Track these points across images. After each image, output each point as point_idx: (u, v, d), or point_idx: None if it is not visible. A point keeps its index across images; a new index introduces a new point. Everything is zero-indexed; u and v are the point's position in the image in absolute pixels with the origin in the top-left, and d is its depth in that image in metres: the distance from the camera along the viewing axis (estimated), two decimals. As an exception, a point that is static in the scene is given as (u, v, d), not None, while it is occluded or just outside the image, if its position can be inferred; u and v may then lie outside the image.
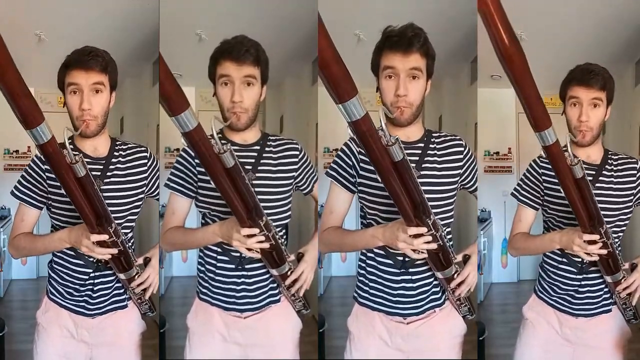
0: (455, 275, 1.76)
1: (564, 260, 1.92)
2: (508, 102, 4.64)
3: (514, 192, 1.98)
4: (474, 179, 1.88)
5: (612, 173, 1.90)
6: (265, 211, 1.71)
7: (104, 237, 1.71)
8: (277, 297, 1.88)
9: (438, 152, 1.80)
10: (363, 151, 1.77)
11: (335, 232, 1.82)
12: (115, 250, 1.75)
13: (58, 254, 1.89)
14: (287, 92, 4.38)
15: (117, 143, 1.90)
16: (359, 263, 1.88)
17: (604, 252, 1.78)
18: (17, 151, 4.95)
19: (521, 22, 3.63)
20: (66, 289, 1.88)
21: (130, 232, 1.90)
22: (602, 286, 1.91)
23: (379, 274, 1.82)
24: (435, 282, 1.82)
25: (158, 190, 1.97)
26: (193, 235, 1.82)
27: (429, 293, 1.82)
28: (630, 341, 1.99)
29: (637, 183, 1.91)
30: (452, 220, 1.82)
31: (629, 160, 1.93)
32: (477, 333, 2.52)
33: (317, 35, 1.36)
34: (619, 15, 3.51)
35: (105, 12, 3.40)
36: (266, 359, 1.89)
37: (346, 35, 3.51)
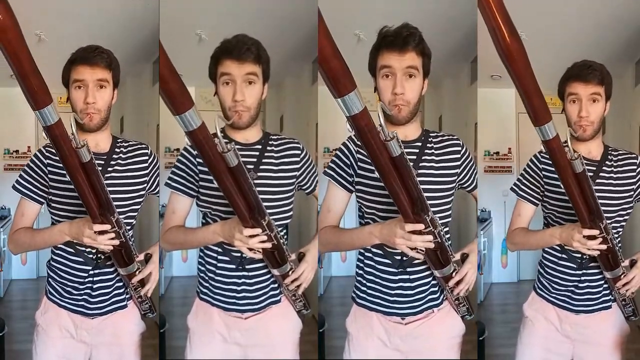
0: (454, 273, 1.76)
1: (564, 256, 1.93)
2: (508, 102, 4.64)
3: (514, 186, 1.99)
4: (472, 179, 1.89)
5: (613, 169, 1.91)
6: (267, 210, 1.71)
7: (107, 226, 1.72)
8: (277, 298, 1.88)
9: (435, 152, 1.80)
10: (361, 149, 1.78)
11: (332, 230, 1.83)
12: (117, 242, 1.76)
13: (57, 252, 1.89)
14: (287, 92, 4.38)
15: (118, 140, 1.92)
16: (357, 263, 1.88)
17: (604, 247, 1.78)
18: (17, 151, 4.95)
19: (521, 22, 3.62)
20: (65, 288, 1.88)
21: (131, 229, 1.90)
22: (602, 282, 1.91)
23: (377, 273, 1.83)
24: (433, 282, 1.82)
25: (158, 188, 1.98)
26: (194, 235, 1.82)
27: (427, 293, 1.82)
28: (630, 341, 1.99)
29: (637, 179, 1.91)
30: (449, 220, 1.82)
31: (629, 155, 1.94)
32: (477, 333, 2.52)
33: (317, 35, 1.37)
34: (619, 15, 3.51)
35: (105, 12, 3.40)
36: (267, 359, 1.89)
37: (346, 35, 3.51)
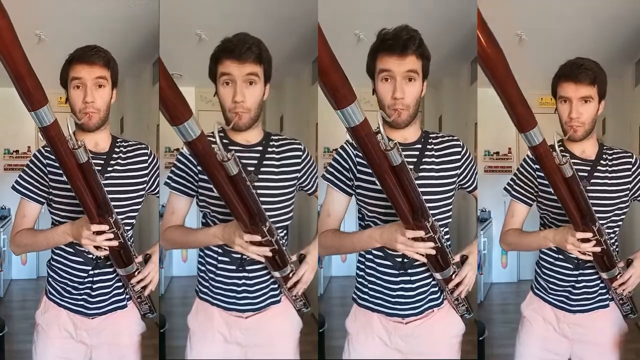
0: (453, 276, 1.77)
1: (560, 256, 1.92)
2: (508, 102, 4.63)
3: (507, 187, 1.97)
4: (473, 179, 1.88)
5: (607, 168, 1.89)
6: (268, 212, 1.71)
7: (104, 227, 1.71)
8: (278, 298, 1.88)
9: (436, 153, 1.80)
10: (361, 156, 1.77)
11: (333, 234, 1.82)
12: (115, 243, 1.75)
13: (57, 252, 1.89)
14: (287, 92, 4.38)
15: (118, 140, 1.91)
16: (358, 264, 1.88)
17: (598, 249, 1.78)
18: (17, 151, 4.95)
19: (521, 22, 3.63)
20: (65, 288, 1.88)
21: (130, 229, 1.90)
22: (599, 281, 1.91)
23: (378, 275, 1.82)
24: (433, 283, 1.82)
25: (158, 188, 1.97)
26: (193, 236, 1.82)
27: (428, 293, 1.82)
28: (630, 341, 1.99)
29: (632, 177, 1.90)
30: (450, 220, 1.82)
31: (624, 154, 1.92)
32: (477, 333, 2.52)
33: (317, 35, 1.37)
34: (619, 15, 3.51)
35: (105, 12, 3.40)
36: (267, 359, 1.88)
37: (346, 35, 3.51)
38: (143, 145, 1.95)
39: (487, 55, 1.38)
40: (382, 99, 1.71)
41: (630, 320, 2.00)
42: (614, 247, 1.88)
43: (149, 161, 1.93)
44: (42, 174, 1.85)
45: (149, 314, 1.97)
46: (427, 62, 1.73)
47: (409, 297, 1.81)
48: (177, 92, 1.42)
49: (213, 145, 1.52)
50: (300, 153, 1.87)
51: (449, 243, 1.76)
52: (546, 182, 1.87)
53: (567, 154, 1.67)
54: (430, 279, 1.81)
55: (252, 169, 1.78)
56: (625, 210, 1.91)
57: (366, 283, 1.85)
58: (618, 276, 1.87)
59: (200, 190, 1.82)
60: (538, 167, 1.90)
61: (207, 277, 1.87)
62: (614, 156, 1.91)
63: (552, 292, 1.95)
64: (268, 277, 1.84)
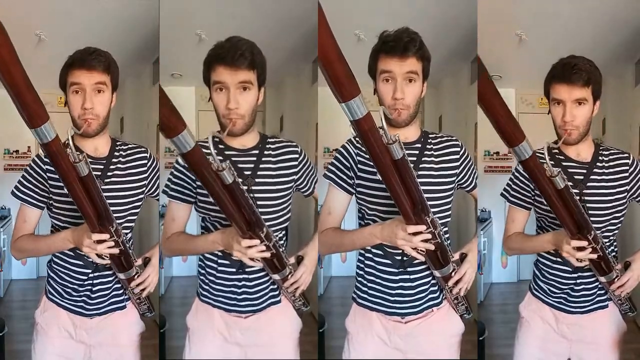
0: (453, 273, 1.77)
1: (558, 259, 1.92)
2: (508, 102, 4.61)
3: (504, 192, 1.97)
4: (472, 179, 1.88)
5: (604, 170, 1.87)
6: (266, 215, 1.72)
7: (105, 236, 1.72)
8: (277, 298, 1.88)
9: (435, 153, 1.81)
10: (362, 152, 1.79)
11: (333, 232, 1.83)
12: (116, 250, 1.76)
13: (57, 254, 1.89)
14: (287, 92, 4.37)
15: (118, 143, 1.91)
16: (358, 264, 1.88)
17: (594, 256, 1.77)
18: (17, 151, 4.94)
19: (521, 22, 3.63)
20: (65, 289, 1.89)
21: (130, 232, 1.90)
22: (597, 283, 1.91)
23: (378, 273, 1.83)
24: (433, 281, 1.82)
25: (158, 191, 1.97)
26: (194, 244, 1.82)
27: (427, 292, 1.82)
28: (630, 341, 1.99)
29: (630, 179, 1.89)
30: (449, 220, 1.82)
31: (621, 155, 1.90)
32: (477, 333, 2.52)
33: (317, 35, 1.37)
34: (619, 16, 3.50)
35: (105, 12, 3.40)
36: (266, 359, 1.88)
37: (346, 35, 3.51)
38: (143, 149, 1.94)
39: (480, 87, 1.39)
40: (383, 99, 1.72)
41: (629, 320, 2.00)
42: (613, 248, 1.88)
43: (148, 164, 1.93)
44: (41, 180, 1.85)
45: (148, 313, 1.97)
46: (428, 64, 1.74)
47: (409, 295, 1.81)
48: (170, 105, 1.42)
49: (208, 157, 1.52)
50: (297, 155, 1.87)
51: (448, 242, 1.76)
52: None
53: (558, 167, 1.66)
54: (430, 278, 1.81)
55: (248, 172, 1.78)
56: (623, 212, 1.90)
57: (365, 282, 1.85)
58: (616, 279, 1.86)
59: (199, 197, 1.82)
60: None
61: (207, 280, 1.87)
62: (611, 157, 1.89)
63: (551, 293, 1.95)
64: (267, 278, 1.85)
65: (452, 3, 3.33)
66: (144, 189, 1.93)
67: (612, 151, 1.91)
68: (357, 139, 1.80)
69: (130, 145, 1.93)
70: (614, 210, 1.87)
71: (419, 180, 1.65)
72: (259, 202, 1.68)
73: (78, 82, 1.77)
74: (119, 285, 1.90)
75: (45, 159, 1.84)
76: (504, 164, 5.03)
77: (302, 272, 1.82)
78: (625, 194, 1.89)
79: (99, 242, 1.72)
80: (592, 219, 1.77)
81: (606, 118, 4.37)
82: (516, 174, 1.95)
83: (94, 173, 1.67)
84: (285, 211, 1.85)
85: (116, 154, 1.88)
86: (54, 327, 1.90)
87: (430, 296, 1.83)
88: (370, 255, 1.83)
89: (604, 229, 1.85)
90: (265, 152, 1.83)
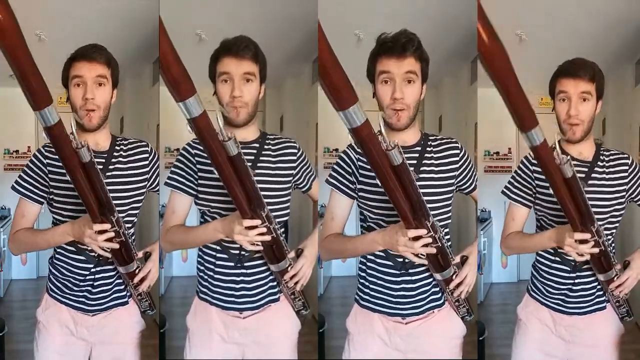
0: (454, 276, 1.77)
1: (557, 259, 1.92)
2: (508, 102, 4.62)
3: (505, 190, 1.97)
4: (471, 181, 1.89)
5: (605, 169, 1.89)
6: (265, 207, 1.72)
7: (107, 226, 1.73)
8: (276, 296, 1.88)
9: (435, 155, 1.81)
10: (362, 157, 1.79)
11: (336, 239, 1.83)
12: (116, 245, 1.77)
13: (59, 250, 1.90)
14: (287, 92, 4.38)
15: (118, 138, 1.93)
16: (360, 265, 1.89)
17: (596, 250, 1.77)
18: (17, 151, 4.95)
19: (521, 22, 3.63)
20: (66, 285, 1.90)
21: (132, 227, 1.91)
22: (596, 284, 1.91)
23: (380, 275, 1.83)
24: (434, 283, 1.82)
25: (159, 186, 1.98)
26: (194, 233, 1.83)
27: (429, 293, 1.82)
28: (630, 341, 1.99)
29: (629, 179, 1.90)
30: (449, 221, 1.83)
31: (621, 156, 1.92)
32: (477, 333, 2.52)
33: (317, 35, 1.37)
34: (619, 15, 3.50)
35: (105, 12, 3.40)
36: (265, 359, 1.89)
37: (346, 35, 3.51)
38: (143, 143, 1.96)
39: (487, 51, 1.36)
40: (382, 100, 1.73)
41: (630, 320, 2.00)
42: (611, 248, 1.88)
43: (149, 158, 1.95)
44: (42, 174, 1.86)
45: (149, 310, 1.98)
46: (426, 65, 1.75)
47: (411, 297, 1.81)
48: (183, 69, 1.45)
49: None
50: (296, 151, 1.90)
51: (449, 244, 1.76)
52: (544, 184, 1.87)
53: (569, 153, 1.66)
54: (432, 279, 1.82)
55: (249, 165, 1.79)
56: (622, 212, 1.90)
57: (368, 284, 1.85)
58: (615, 278, 1.86)
59: (200, 188, 1.84)
60: (535, 169, 1.90)
61: (206, 276, 1.88)
62: (611, 157, 1.91)
63: (548, 294, 1.95)
64: (266, 274, 1.85)
65: (452, 3, 3.33)
66: (146, 182, 1.94)
67: (613, 152, 1.93)
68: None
69: (130, 140, 1.95)
70: (612, 209, 1.88)
71: (419, 183, 1.66)
72: None
73: (80, 75, 1.80)
74: (120, 281, 1.91)
75: (47, 153, 1.86)
76: (504, 164, 5.03)
77: (302, 263, 1.83)
78: (624, 193, 1.90)
79: (101, 233, 1.74)
80: (591, 218, 1.77)
81: (606, 118, 4.37)
82: (518, 171, 1.96)
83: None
84: (283, 205, 1.86)
85: (117, 148, 1.90)
86: (55, 325, 1.91)
87: (431, 297, 1.83)
88: (373, 258, 1.84)
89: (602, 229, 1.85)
90: (265, 147, 1.86)
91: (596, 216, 1.77)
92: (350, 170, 1.82)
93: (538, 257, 1.98)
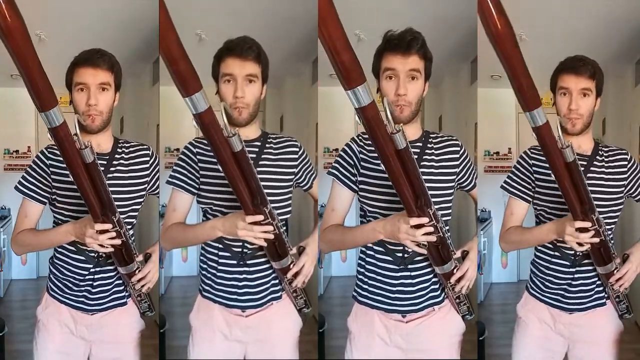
0: (455, 270, 1.78)
1: (557, 254, 1.93)
2: (508, 102, 4.64)
3: (504, 184, 1.98)
4: (471, 179, 1.90)
5: (603, 164, 1.91)
6: (267, 204, 1.73)
7: (108, 226, 1.75)
8: (278, 294, 1.89)
9: (435, 152, 1.83)
10: (365, 150, 1.82)
11: (336, 229, 1.85)
12: (118, 241, 1.78)
13: (59, 250, 1.91)
14: (287, 92, 4.38)
15: (120, 141, 1.94)
16: (358, 261, 1.90)
17: (596, 240, 1.78)
18: (17, 151, 4.95)
19: (521, 21, 3.62)
20: (66, 284, 1.91)
21: (131, 229, 1.91)
22: (595, 279, 1.91)
23: (378, 271, 1.84)
24: (434, 279, 1.83)
25: (159, 189, 1.99)
26: (193, 231, 1.85)
27: (428, 290, 1.83)
28: (630, 341, 1.99)
29: (627, 174, 1.91)
30: (449, 218, 1.84)
31: (620, 151, 1.94)
32: (477, 333, 2.52)
33: (317, 35, 1.39)
34: (619, 15, 3.51)
35: (105, 12, 3.40)
36: (266, 358, 1.90)
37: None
38: (145, 146, 1.98)
39: (496, 29, 1.41)
40: (386, 96, 1.75)
41: (630, 320, 2.00)
42: (611, 244, 1.88)
43: (150, 162, 1.96)
44: (45, 175, 1.88)
45: (148, 312, 1.98)
46: (430, 64, 1.79)
47: (409, 292, 1.82)
48: (190, 65, 1.48)
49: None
50: (297, 149, 1.92)
51: (449, 241, 1.77)
52: (543, 177, 1.89)
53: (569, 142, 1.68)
54: (431, 275, 1.83)
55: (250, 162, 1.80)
56: (620, 208, 1.91)
57: (366, 280, 1.86)
58: (615, 271, 1.87)
59: (202, 187, 1.85)
60: (535, 162, 1.93)
61: (209, 275, 1.89)
62: (610, 153, 1.93)
63: (547, 290, 1.95)
64: (269, 272, 1.86)
65: (452, 3, 3.34)
66: (146, 185, 1.95)
67: (611, 148, 1.95)
68: (360, 137, 1.84)
69: (132, 143, 1.96)
70: (611, 204, 1.89)
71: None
72: None
73: (83, 82, 1.82)
74: (120, 281, 1.92)
75: (49, 155, 1.88)
76: (504, 164, 5.03)
77: (304, 261, 1.85)
78: (623, 188, 1.91)
79: (102, 232, 1.75)
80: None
81: (606, 118, 4.37)
82: (517, 166, 1.98)
83: (98, 169, 1.69)
84: (285, 203, 1.87)
85: (119, 150, 1.91)
86: (55, 324, 1.92)
87: (430, 294, 1.84)
88: (372, 253, 1.85)
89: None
90: (267, 145, 1.87)
91: (595, 210, 1.78)
92: (352, 163, 1.83)
93: (537, 253, 1.98)
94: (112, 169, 1.88)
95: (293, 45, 3.67)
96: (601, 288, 1.93)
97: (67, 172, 1.68)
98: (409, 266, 1.81)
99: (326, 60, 1.45)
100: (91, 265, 1.88)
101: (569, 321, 1.94)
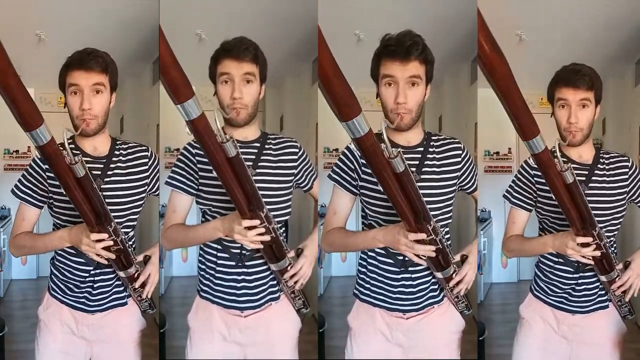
0: (454, 274, 1.78)
1: (560, 260, 1.93)
2: (508, 102, 4.62)
3: (506, 194, 1.98)
4: (473, 181, 1.89)
5: (605, 172, 1.90)
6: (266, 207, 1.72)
7: (104, 235, 1.73)
8: (277, 295, 1.89)
9: (437, 156, 1.82)
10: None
11: (338, 232, 1.84)
12: (113, 256, 1.78)
13: (59, 252, 1.90)
14: (287, 92, 4.37)
15: (118, 142, 1.92)
16: (360, 261, 1.90)
17: (598, 253, 1.78)
18: (17, 151, 4.94)
19: (521, 22, 3.63)
20: (67, 285, 1.90)
21: (132, 230, 1.91)
22: (598, 284, 1.92)
23: (380, 272, 1.84)
24: (433, 280, 1.84)
25: (159, 191, 1.98)
26: (194, 232, 1.84)
27: (428, 290, 1.84)
28: (631, 341, 1.99)
29: (629, 181, 1.91)
30: (450, 221, 1.84)
31: (621, 158, 1.93)
32: (477, 333, 2.52)
33: (317, 35, 1.38)
34: (619, 15, 3.50)
35: (105, 12, 3.40)
36: (265, 359, 1.89)
37: (346, 35, 3.51)
38: (143, 147, 1.95)
39: (489, 62, 1.39)
40: (386, 103, 1.73)
41: (630, 320, 2.01)
42: (613, 250, 1.88)
43: (149, 163, 1.94)
44: (41, 179, 1.86)
45: (149, 310, 1.98)
46: (431, 67, 1.74)
47: (410, 293, 1.83)
48: (181, 71, 1.46)
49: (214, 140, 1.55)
50: (297, 150, 1.90)
51: (449, 243, 1.77)
52: (545, 187, 1.88)
53: (568, 162, 1.68)
54: (431, 277, 1.83)
55: (250, 164, 1.80)
56: (622, 214, 1.91)
57: (368, 279, 1.87)
58: (617, 279, 1.87)
59: (201, 188, 1.84)
60: (536, 172, 1.91)
61: (207, 275, 1.88)
62: (611, 160, 1.92)
63: (552, 294, 1.96)
64: (267, 273, 1.86)
65: (452, 3, 3.33)
66: (146, 187, 1.94)
67: (612, 154, 1.94)
68: None
69: (130, 144, 1.94)
70: (614, 211, 1.88)
71: (422, 183, 1.67)
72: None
73: (76, 84, 1.79)
74: (120, 282, 1.91)
75: None
76: (504, 164, 5.03)
77: (302, 263, 1.84)
78: (625, 195, 1.91)
79: (98, 241, 1.74)
80: (592, 220, 1.78)
81: (606, 118, 4.37)
82: (519, 175, 1.97)
83: (94, 172, 1.68)
84: (284, 204, 1.87)
85: (116, 152, 1.89)
86: (56, 323, 1.92)
87: (430, 294, 1.84)
88: (373, 254, 1.85)
89: (604, 231, 1.86)
90: (266, 146, 1.86)
91: (597, 219, 1.78)
92: (352, 167, 1.82)
93: (541, 258, 1.98)
94: (109, 172, 1.86)
95: (293, 45, 3.67)
96: (604, 292, 1.93)
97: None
98: (410, 268, 1.82)
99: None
100: (91, 268, 1.88)
101: (572, 322, 1.94)
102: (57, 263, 1.92)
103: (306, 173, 1.94)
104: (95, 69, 1.79)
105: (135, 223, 1.93)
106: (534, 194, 1.93)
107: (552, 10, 3.43)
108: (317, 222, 2.00)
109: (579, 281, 1.91)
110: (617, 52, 3.88)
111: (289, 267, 1.83)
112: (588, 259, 1.81)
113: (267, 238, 1.72)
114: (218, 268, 1.86)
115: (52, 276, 1.94)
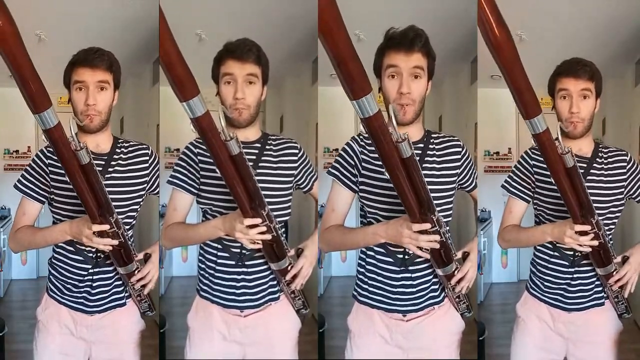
0: (456, 271, 1.78)
1: (556, 254, 1.93)
2: (508, 102, 4.61)
3: (505, 183, 1.99)
4: (472, 179, 1.90)
5: (603, 166, 1.91)
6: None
7: (105, 227, 1.74)
8: (276, 295, 1.89)
9: (437, 153, 1.82)
10: (366, 150, 1.81)
11: (337, 230, 1.84)
12: (115, 242, 1.78)
13: (58, 250, 1.91)
14: (287, 92, 4.38)
15: (119, 141, 1.93)
16: (359, 261, 1.90)
17: (596, 243, 1.78)
18: (17, 151, 4.95)
19: (520, 21, 3.63)
20: (65, 285, 1.90)
21: (130, 229, 1.91)
22: (595, 279, 1.92)
23: (379, 272, 1.84)
24: (434, 280, 1.83)
25: (158, 188, 1.99)
26: (195, 230, 1.84)
27: (428, 290, 1.84)
28: (631, 341, 1.99)
29: (627, 176, 1.92)
30: (450, 219, 1.84)
31: (619, 152, 1.94)
32: (477, 333, 2.52)
33: (316, 35, 1.38)
34: (619, 15, 3.51)
35: (105, 12, 3.40)
36: (265, 359, 1.89)
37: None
38: (144, 146, 1.97)
39: (495, 38, 1.40)
40: (389, 94, 1.74)
41: (630, 320, 2.01)
42: (610, 245, 1.88)
43: (149, 161, 1.95)
44: (43, 174, 1.88)
45: (149, 312, 1.98)
46: (433, 62, 1.77)
47: (410, 293, 1.82)
48: (187, 70, 1.47)
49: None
50: (297, 151, 1.91)
51: (450, 241, 1.77)
52: (543, 179, 1.89)
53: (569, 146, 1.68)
54: (431, 276, 1.83)
55: (250, 164, 1.80)
56: (620, 209, 1.92)
57: (367, 280, 1.86)
58: (614, 272, 1.87)
59: (202, 187, 1.85)
60: (535, 163, 1.93)
61: (207, 275, 1.89)
62: (610, 154, 1.93)
63: (547, 290, 1.96)
64: (267, 272, 1.86)
65: (452, 3, 3.33)
66: (145, 185, 1.94)
67: (611, 149, 1.95)
68: (361, 136, 1.84)
69: (131, 143, 1.96)
70: (610, 205, 1.89)
71: (422, 179, 1.66)
72: None
73: (81, 80, 1.82)
74: (119, 282, 1.92)
75: (49, 154, 1.87)
76: (504, 164, 5.03)
77: (302, 263, 1.84)
78: (623, 189, 1.91)
79: (99, 233, 1.75)
80: (590, 214, 1.78)
81: (606, 118, 4.37)
82: (518, 166, 1.98)
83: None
84: (284, 205, 1.87)
85: (117, 150, 1.91)
86: (54, 324, 1.92)
87: (430, 294, 1.84)
88: (372, 254, 1.85)
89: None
90: (267, 147, 1.87)
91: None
92: (352, 163, 1.82)
93: (536, 252, 1.99)
94: (110, 169, 1.87)
95: (293, 45, 3.67)
96: (600, 288, 1.93)
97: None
98: (410, 267, 1.81)
99: (326, 60, 1.43)
100: (90, 266, 1.88)
101: (568, 320, 1.94)
102: (55, 262, 1.92)
103: (306, 174, 1.95)
104: (101, 67, 1.83)
105: (133, 221, 1.93)
106: (533, 184, 1.94)
107: (552, 10, 3.43)
108: (318, 223, 2.00)
109: (575, 276, 1.91)
110: (617, 52, 3.88)
111: (289, 267, 1.83)
112: (586, 247, 1.80)
113: (268, 237, 1.73)
114: (218, 267, 1.86)
115: (51, 276, 1.94)
